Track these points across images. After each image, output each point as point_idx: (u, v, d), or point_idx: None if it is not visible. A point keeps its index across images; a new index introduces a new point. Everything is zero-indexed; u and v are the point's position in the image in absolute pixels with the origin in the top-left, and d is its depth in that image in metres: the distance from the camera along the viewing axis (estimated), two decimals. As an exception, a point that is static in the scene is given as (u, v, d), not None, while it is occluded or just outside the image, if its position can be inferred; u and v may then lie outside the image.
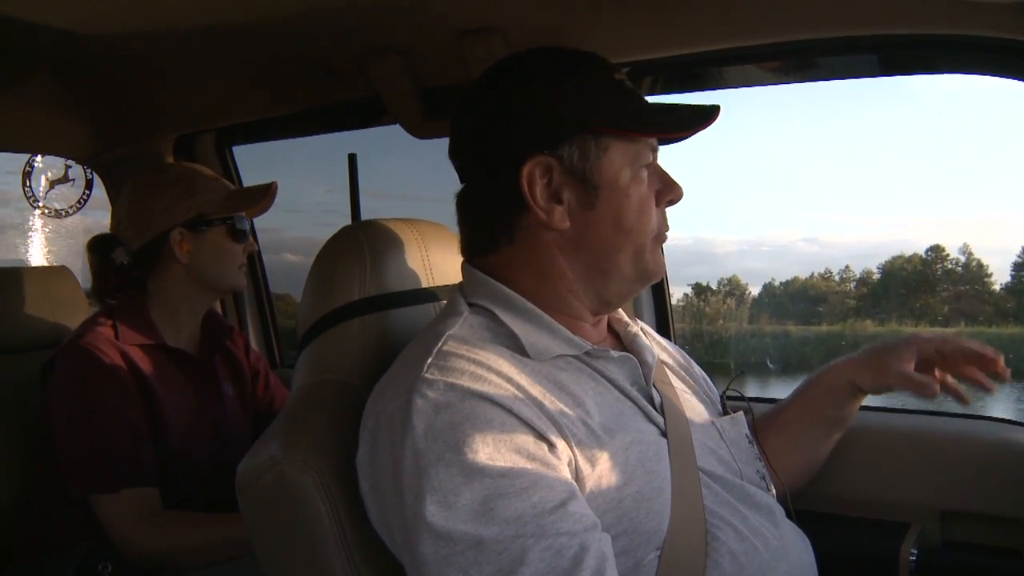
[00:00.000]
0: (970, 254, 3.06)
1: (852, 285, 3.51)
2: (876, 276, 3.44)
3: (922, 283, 3.17)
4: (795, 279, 3.71)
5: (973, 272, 2.99)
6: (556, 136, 1.04)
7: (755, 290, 3.80)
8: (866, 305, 3.46)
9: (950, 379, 1.30)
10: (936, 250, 3.12)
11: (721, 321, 3.59)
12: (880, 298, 3.44)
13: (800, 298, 3.63)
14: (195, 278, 1.82)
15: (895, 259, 3.33)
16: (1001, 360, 1.26)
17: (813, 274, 3.65)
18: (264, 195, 1.89)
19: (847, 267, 3.58)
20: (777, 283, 3.75)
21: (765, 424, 1.38)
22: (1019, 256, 3.18)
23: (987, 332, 3.08)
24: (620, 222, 1.05)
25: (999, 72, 1.41)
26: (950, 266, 3.12)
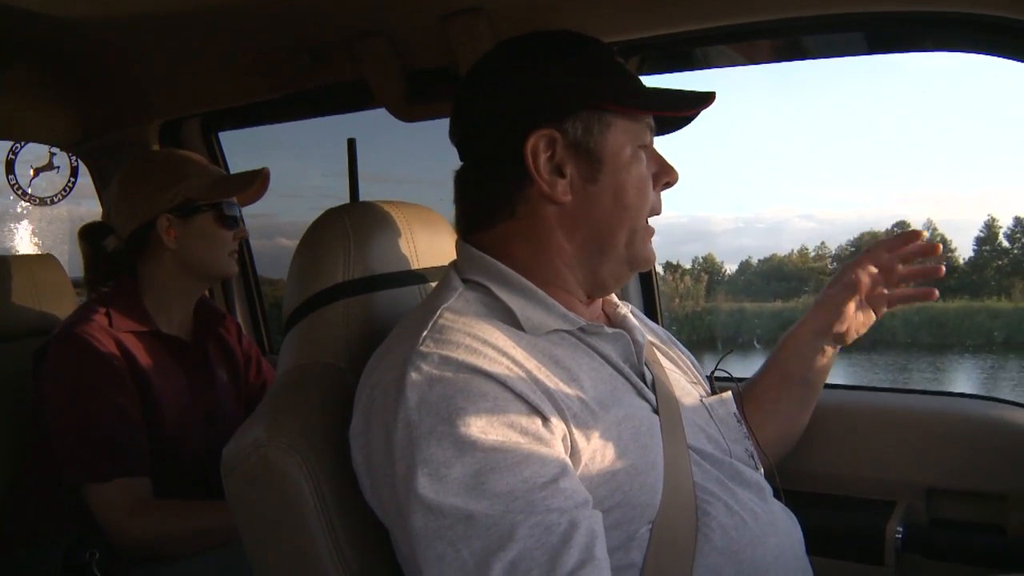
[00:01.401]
0: (934, 229, 3.14)
1: (830, 262, 3.55)
2: (850, 252, 3.47)
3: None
4: (773, 256, 3.75)
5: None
6: (561, 110, 1.05)
7: (732, 267, 3.84)
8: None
9: (899, 291, 1.38)
10: (901, 225, 3.18)
11: (677, 300, 3.62)
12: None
13: (774, 276, 3.66)
14: (183, 265, 1.81)
15: (863, 235, 3.38)
16: (924, 234, 1.37)
17: (792, 251, 3.69)
18: (254, 181, 1.87)
19: (822, 243, 3.62)
20: (755, 260, 3.79)
21: (742, 398, 1.39)
22: (981, 231, 3.26)
23: (934, 307, 3.14)
24: (621, 198, 1.07)
25: (985, 50, 1.41)
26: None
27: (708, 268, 3.73)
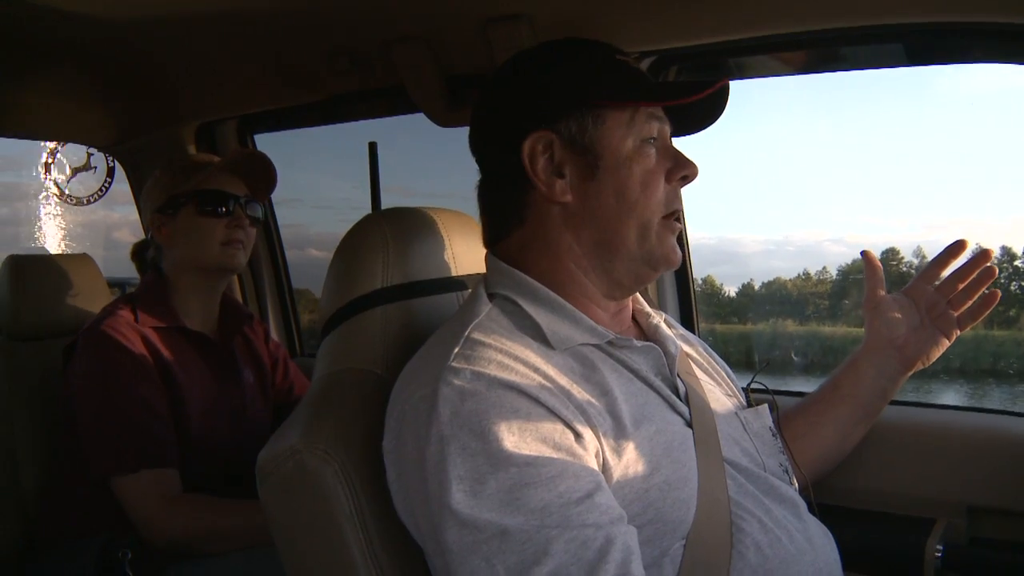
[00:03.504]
0: (923, 257, 3.11)
1: (830, 287, 3.54)
2: (848, 277, 3.46)
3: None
4: (776, 279, 3.73)
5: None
6: (554, 111, 1.06)
7: (734, 289, 3.82)
8: (822, 306, 3.52)
9: (965, 309, 1.37)
10: (891, 252, 3.14)
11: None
12: (836, 298, 3.50)
13: (768, 299, 3.65)
14: (180, 261, 1.82)
15: (855, 262, 3.36)
16: (967, 243, 1.36)
17: (798, 275, 3.67)
18: (252, 164, 1.86)
19: (823, 268, 3.61)
20: (757, 284, 3.78)
21: (792, 410, 1.40)
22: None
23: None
24: (623, 194, 1.06)
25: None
26: (904, 269, 3.16)
27: (707, 290, 3.72)
